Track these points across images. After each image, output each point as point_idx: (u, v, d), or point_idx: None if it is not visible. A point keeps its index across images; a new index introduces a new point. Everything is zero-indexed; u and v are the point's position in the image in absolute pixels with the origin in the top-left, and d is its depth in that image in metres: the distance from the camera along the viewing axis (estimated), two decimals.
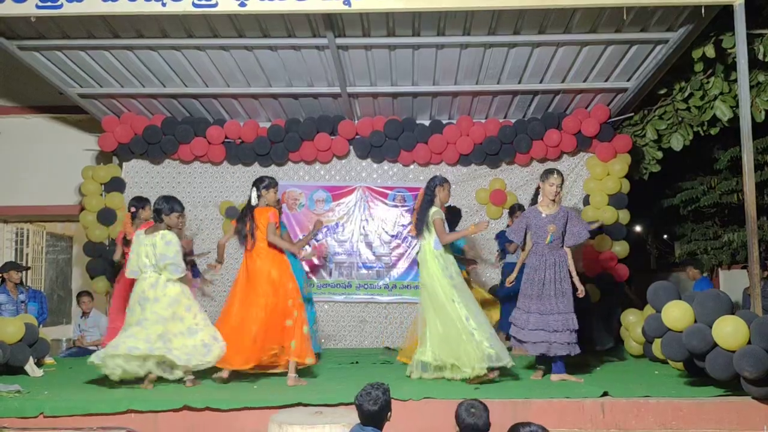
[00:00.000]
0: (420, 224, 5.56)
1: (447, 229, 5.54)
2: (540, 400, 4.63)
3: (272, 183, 5.63)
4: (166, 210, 5.27)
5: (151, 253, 5.17)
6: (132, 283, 5.38)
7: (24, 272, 7.69)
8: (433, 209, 5.50)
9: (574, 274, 5.43)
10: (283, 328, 5.36)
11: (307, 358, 5.36)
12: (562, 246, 5.45)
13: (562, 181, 5.45)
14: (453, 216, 6.66)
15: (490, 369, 5.17)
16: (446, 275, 5.40)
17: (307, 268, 7.77)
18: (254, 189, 5.59)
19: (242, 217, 5.61)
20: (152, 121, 7.92)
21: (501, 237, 7.35)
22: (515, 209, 7.16)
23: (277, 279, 5.45)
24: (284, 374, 5.36)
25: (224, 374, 5.39)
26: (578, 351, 5.34)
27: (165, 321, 5.11)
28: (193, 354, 5.14)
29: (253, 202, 5.57)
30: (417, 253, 5.87)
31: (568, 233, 5.42)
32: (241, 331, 5.35)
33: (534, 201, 5.74)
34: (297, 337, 5.33)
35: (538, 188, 5.65)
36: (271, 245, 5.49)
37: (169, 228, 5.29)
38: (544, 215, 5.45)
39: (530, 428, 2.81)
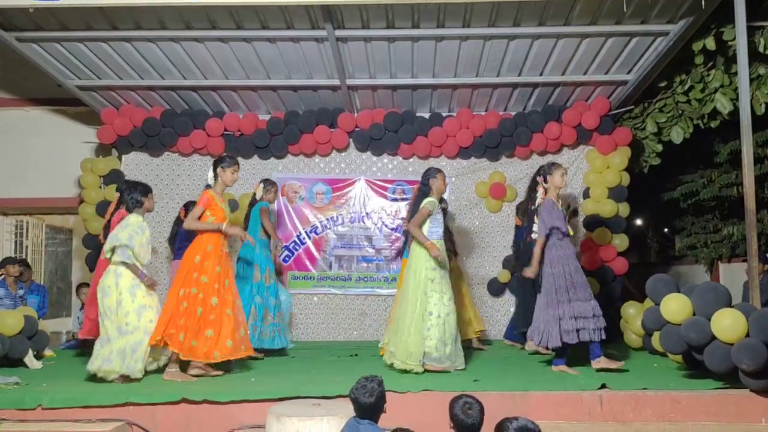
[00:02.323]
0: (413, 211, 5.57)
1: (428, 224, 5.46)
2: (538, 393, 4.63)
3: (231, 162, 5.46)
4: (142, 193, 5.28)
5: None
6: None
7: (26, 266, 7.70)
8: (427, 199, 5.50)
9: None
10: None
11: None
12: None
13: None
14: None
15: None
16: (428, 266, 5.37)
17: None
18: (211, 169, 5.46)
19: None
20: (151, 114, 7.90)
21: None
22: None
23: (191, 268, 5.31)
24: (281, 365, 5.34)
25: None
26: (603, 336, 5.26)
27: (103, 315, 5.07)
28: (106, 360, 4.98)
29: (209, 182, 5.42)
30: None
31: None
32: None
33: (532, 196, 5.73)
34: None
35: (534, 183, 5.66)
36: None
37: (148, 211, 5.35)
38: (559, 207, 5.47)
39: (518, 422, 2.81)
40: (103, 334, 5.07)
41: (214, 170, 5.41)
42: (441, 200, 6.56)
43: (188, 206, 7.17)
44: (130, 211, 5.28)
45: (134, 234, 5.08)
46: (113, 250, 5.06)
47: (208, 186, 5.40)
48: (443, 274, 5.44)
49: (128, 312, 5.01)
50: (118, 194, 5.67)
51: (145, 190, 5.34)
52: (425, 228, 5.44)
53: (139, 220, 5.21)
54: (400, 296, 5.63)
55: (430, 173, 5.62)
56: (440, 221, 5.59)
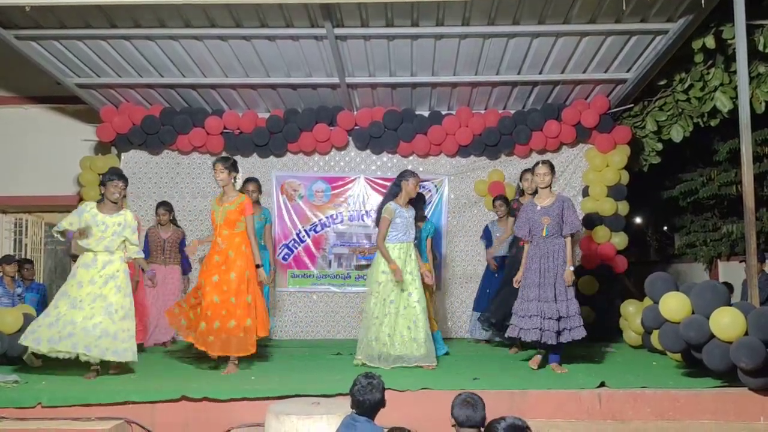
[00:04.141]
0: (378, 215, 5.86)
1: (392, 231, 5.71)
2: (537, 391, 4.64)
3: (214, 162, 5.73)
4: (104, 180, 5.40)
5: None
6: None
7: (25, 265, 7.69)
8: (389, 206, 5.71)
9: (569, 262, 5.44)
10: None
11: None
12: (561, 235, 5.47)
13: (551, 169, 5.53)
14: (417, 201, 6.54)
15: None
16: (385, 268, 5.69)
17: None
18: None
19: None
20: (150, 112, 7.90)
21: (486, 231, 7.44)
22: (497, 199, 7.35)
23: None
24: (280, 364, 5.35)
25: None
26: (568, 339, 5.33)
27: None
28: None
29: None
30: None
31: (564, 222, 5.44)
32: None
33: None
34: None
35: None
36: None
37: (107, 199, 5.36)
38: (539, 208, 5.51)
39: (506, 422, 2.83)
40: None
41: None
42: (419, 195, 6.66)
43: (158, 207, 7.17)
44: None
45: (72, 216, 5.26)
46: None
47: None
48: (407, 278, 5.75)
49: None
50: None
51: (104, 179, 5.42)
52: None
53: (81, 204, 5.43)
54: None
55: (402, 175, 5.84)
56: (400, 225, 5.73)
